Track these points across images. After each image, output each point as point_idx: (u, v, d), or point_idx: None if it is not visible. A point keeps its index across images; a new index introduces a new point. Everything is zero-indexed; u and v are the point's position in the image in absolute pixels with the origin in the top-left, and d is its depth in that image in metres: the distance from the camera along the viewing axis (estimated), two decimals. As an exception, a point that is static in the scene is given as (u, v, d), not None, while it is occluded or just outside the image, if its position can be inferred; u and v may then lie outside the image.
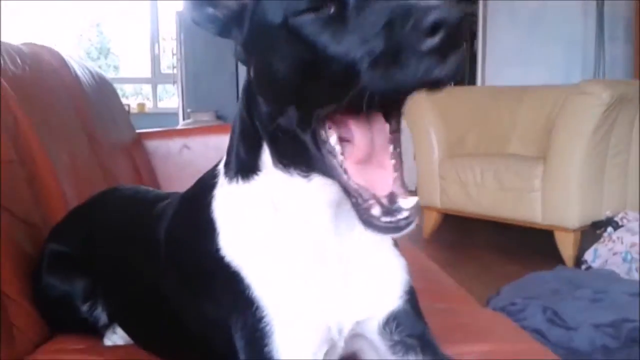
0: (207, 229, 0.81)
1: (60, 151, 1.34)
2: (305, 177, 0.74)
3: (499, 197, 3.18)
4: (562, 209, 2.92)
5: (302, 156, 0.72)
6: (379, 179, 0.69)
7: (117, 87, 9.67)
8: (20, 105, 1.23)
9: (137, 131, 2.39)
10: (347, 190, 0.69)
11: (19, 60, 1.34)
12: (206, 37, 6.98)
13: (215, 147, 2.30)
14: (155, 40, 9.77)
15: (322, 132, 0.69)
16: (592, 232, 2.88)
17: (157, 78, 9.91)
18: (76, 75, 1.66)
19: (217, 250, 0.79)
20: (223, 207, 0.81)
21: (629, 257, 2.61)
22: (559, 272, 2.51)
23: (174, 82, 7.99)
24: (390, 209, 0.67)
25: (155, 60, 9.82)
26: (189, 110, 6.48)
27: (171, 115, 8.18)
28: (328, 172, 0.70)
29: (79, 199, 1.29)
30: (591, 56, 4.47)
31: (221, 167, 0.84)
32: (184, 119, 6.76)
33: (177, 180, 2.26)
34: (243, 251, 0.78)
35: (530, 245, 3.31)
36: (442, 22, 0.54)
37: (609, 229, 2.80)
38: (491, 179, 3.23)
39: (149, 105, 9.93)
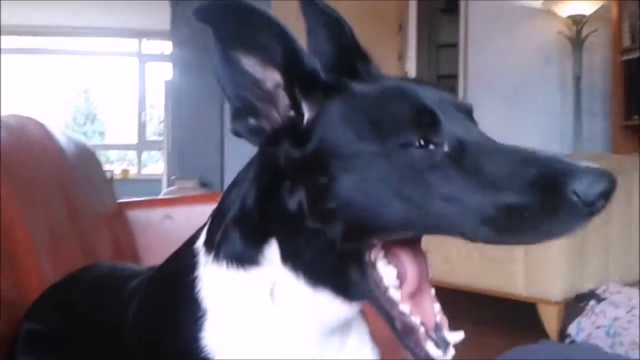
0: (190, 312, 0.76)
1: (40, 224, 1.33)
2: (312, 286, 0.71)
3: (482, 268, 3.18)
4: (544, 282, 2.91)
5: (320, 268, 0.70)
6: (423, 308, 0.69)
7: (102, 153, 9.65)
8: (3, 177, 1.23)
9: (119, 201, 2.38)
10: (389, 318, 0.68)
11: (4, 132, 1.35)
12: (193, 106, 7.06)
13: (198, 216, 2.28)
14: (142, 107, 9.89)
15: (368, 255, 0.68)
16: (575, 305, 2.87)
17: (142, 145, 9.97)
18: (60, 146, 1.67)
19: (199, 333, 0.75)
20: (211, 289, 0.77)
21: (612, 331, 2.59)
22: (544, 345, 2.48)
23: (160, 149, 8.04)
24: (440, 343, 0.67)
25: (141, 127, 9.91)
26: (173, 177, 6.48)
27: (155, 181, 8.19)
28: (362, 294, 0.70)
29: (55, 274, 1.26)
30: (570, 130, 4.57)
31: (200, 245, 0.80)
32: (168, 186, 6.75)
33: (158, 251, 2.22)
34: (226, 341, 0.74)
35: (515, 317, 3.28)
36: (606, 193, 0.56)
37: (592, 301, 2.78)
38: (473, 250, 3.23)
39: (133, 171, 9.94)
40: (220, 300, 0.76)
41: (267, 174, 0.74)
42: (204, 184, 6.24)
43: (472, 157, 0.61)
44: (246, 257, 0.75)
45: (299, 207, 0.68)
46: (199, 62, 6.39)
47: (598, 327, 2.64)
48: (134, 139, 10.01)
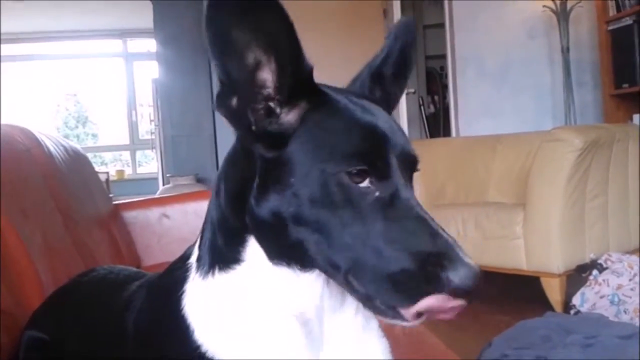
0: (178, 327, 0.77)
1: (34, 233, 1.31)
2: (307, 271, 0.74)
3: (483, 245, 3.18)
4: (545, 255, 2.91)
5: (306, 260, 0.72)
6: None
7: (96, 155, 9.62)
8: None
9: (115, 202, 2.37)
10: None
11: (-10, 143, 1.33)
12: (183, 102, 7.02)
13: (194, 213, 2.29)
14: (132, 107, 9.85)
15: None
16: (578, 276, 2.87)
17: (135, 144, 9.95)
18: (49, 153, 1.65)
19: (197, 347, 0.75)
20: (195, 303, 0.78)
21: (616, 299, 2.60)
22: (549, 318, 2.48)
23: (153, 148, 8.01)
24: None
25: (133, 127, 9.89)
26: (168, 175, 6.47)
27: (151, 180, 8.18)
28: None
29: (54, 281, 1.26)
30: (561, 103, 4.56)
31: (193, 260, 0.82)
32: (163, 184, 6.74)
33: (157, 250, 2.24)
34: (224, 344, 0.75)
35: (518, 292, 3.29)
36: (468, 290, 0.64)
37: (594, 271, 2.79)
38: (473, 228, 3.23)
39: (128, 171, 9.92)
40: (206, 312, 0.77)
41: (238, 173, 0.75)
42: (199, 180, 6.23)
43: (396, 212, 0.68)
44: (229, 258, 0.76)
45: (272, 215, 0.70)
46: (185, 59, 6.36)
47: (602, 297, 2.65)
48: (126, 139, 9.99)
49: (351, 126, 0.71)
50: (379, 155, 0.70)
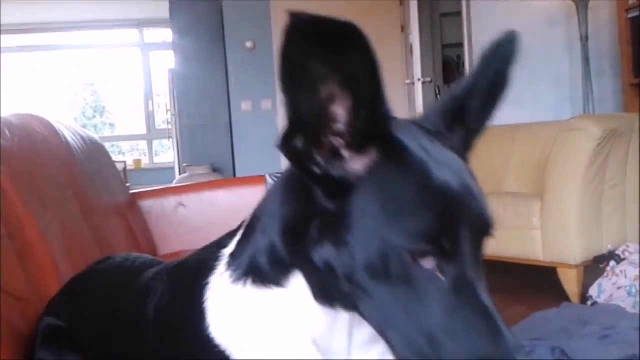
0: (197, 322, 0.76)
1: (51, 221, 1.33)
2: (351, 312, 0.69)
3: (499, 236, 3.09)
4: (562, 245, 2.89)
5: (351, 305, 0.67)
6: None
7: (114, 144, 9.70)
8: (9, 178, 1.23)
9: (131, 192, 2.39)
10: None
11: (8, 133, 1.35)
12: (199, 92, 7.02)
13: (209, 203, 2.30)
14: (149, 97, 9.90)
15: None
16: (595, 267, 2.85)
17: (152, 134, 10.01)
18: (67, 142, 1.67)
19: (215, 346, 0.74)
20: (217, 303, 0.76)
21: (633, 290, 2.58)
22: (565, 309, 2.47)
23: (169, 137, 8.05)
24: None
25: (149, 117, 9.94)
26: (184, 164, 6.51)
27: (167, 170, 8.23)
28: None
29: (72, 269, 1.27)
30: (579, 92, 4.51)
31: (226, 252, 0.79)
32: (180, 174, 6.78)
33: (174, 239, 2.25)
34: (241, 350, 0.74)
35: (534, 283, 3.27)
36: None
37: (612, 262, 2.77)
38: (490, 218, 3.21)
39: (145, 161, 9.99)
40: (227, 314, 0.75)
41: (295, 207, 0.70)
42: (215, 170, 6.26)
43: (459, 298, 0.62)
44: (270, 279, 0.73)
45: (325, 266, 0.66)
46: (201, 49, 6.38)
47: (619, 288, 2.63)
48: (143, 129, 10.05)
49: (423, 191, 0.63)
50: (451, 234, 0.62)
